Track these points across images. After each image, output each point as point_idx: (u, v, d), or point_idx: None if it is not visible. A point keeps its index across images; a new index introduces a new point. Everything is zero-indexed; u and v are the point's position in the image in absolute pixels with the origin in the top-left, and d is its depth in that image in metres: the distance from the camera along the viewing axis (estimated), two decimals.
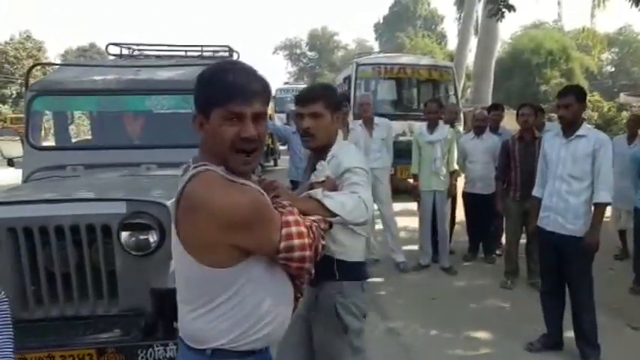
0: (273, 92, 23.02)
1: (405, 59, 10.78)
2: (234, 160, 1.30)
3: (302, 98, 2.05)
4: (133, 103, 3.76)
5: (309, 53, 57.70)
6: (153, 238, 2.49)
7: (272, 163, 13.81)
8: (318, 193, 1.71)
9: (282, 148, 14.12)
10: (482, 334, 3.85)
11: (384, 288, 4.84)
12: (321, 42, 55.99)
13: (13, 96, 33.47)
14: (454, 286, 4.91)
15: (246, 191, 1.27)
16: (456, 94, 9.84)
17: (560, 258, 3.33)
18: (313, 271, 1.44)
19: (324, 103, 2.00)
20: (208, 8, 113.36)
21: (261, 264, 1.33)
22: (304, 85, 26.79)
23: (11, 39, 35.14)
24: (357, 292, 2.12)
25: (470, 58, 18.38)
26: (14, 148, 3.79)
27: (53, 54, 38.79)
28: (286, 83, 30.68)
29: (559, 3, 19.05)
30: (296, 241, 1.32)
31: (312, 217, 1.49)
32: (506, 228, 4.97)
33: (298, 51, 57.67)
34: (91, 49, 46.14)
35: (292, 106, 11.87)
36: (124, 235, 2.49)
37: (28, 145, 3.60)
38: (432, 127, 5.19)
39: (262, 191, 1.35)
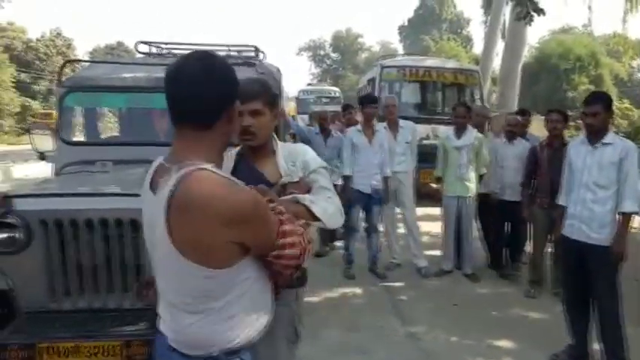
0: (296, 93, 23.18)
1: (431, 62, 10.71)
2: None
3: (242, 94, 1.92)
4: (161, 101, 3.80)
5: (332, 55, 57.73)
6: None
7: None
8: (305, 198, 1.76)
9: None
10: (505, 343, 3.79)
11: (406, 293, 4.80)
12: (345, 44, 55.97)
13: (43, 92, 34.28)
14: (477, 293, 4.85)
15: (244, 188, 1.29)
16: (481, 98, 9.74)
17: (585, 267, 3.27)
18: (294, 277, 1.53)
19: (264, 100, 1.90)
20: (234, 9, 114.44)
21: (254, 259, 1.36)
22: (327, 87, 26.88)
23: (42, 36, 36.04)
24: (303, 298, 2.10)
25: (496, 62, 18.13)
26: (45, 142, 3.87)
27: (82, 51, 39.68)
28: (309, 84, 30.77)
29: (590, 7, 18.55)
30: (287, 251, 1.37)
31: (300, 223, 1.51)
32: (533, 236, 4.88)
33: (322, 52, 57.75)
34: (119, 48, 47.00)
35: (315, 108, 11.92)
36: None
37: (60, 140, 3.68)
38: (459, 131, 5.13)
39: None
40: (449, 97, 10.57)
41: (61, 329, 2.44)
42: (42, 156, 3.87)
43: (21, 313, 2.60)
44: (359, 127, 5.17)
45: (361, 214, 5.33)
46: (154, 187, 1.31)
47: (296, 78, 75.85)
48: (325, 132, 6.03)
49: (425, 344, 3.76)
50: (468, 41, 47.34)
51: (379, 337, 3.86)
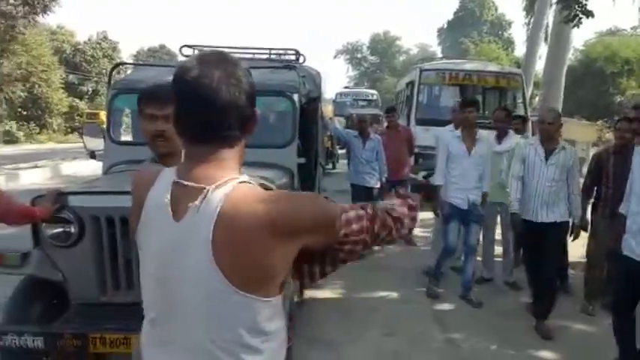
0: (333, 96, 23.19)
1: (471, 65, 10.55)
2: None
3: (157, 98, 1.92)
4: None
5: (370, 57, 57.58)
6: None
7: (331, 166, 13.89)
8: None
9: (340, 151, 14.17)
10: (546, 354, 3.70)
11: (446, 299, 4.72)
12: (383, 46, 55.74)
13: (89, 93, 35.57)
14: (518, 301, 4.72)
15: (298, 194, 1.23)
16: (524, 102, 9.51)
17: (635, 284, 3.12)
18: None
19: None
20: (273, 12, 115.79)
21: None
22: (365, 89, 26.82)
23: (89, 39, 37.37)
24: None
25: (539, 65, 17.68)
26: (96, 141, 4.03)
27: (126, 54, 40.86)
28: (346, 87, 30.81)
29: None
30: (352, 238, 1.20)
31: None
32: (590, 246, 4.58)
33: (359, 55, 57.67)
34: (161, 50, 48.28)
35: (352, 110, 11.93)
36: None
37: (109, 140, 3.83)
38: (500, 136, 5.03)
39: None
40: (490, 101, 10.39)
41: (111, 321, 2.54)
42: (92, 154, 4.03)
43: (73, 304, 2.72)
44: (458, 133, 4.61)
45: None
46: (175, 212, 1.09)
47: (333, 81, 76.11)
48: (364, 134, 6.04)
49: (464, 352, 3.71)
50: (509, 44, 46.33)
51: (417, 342, 3.83)
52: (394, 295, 4.81)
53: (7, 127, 24.69)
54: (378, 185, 6.07)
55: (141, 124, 2.06)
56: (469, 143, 4.48)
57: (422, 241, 6.58)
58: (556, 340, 3.89)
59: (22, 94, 25.65)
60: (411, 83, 10.26)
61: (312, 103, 4.63)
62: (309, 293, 4.61)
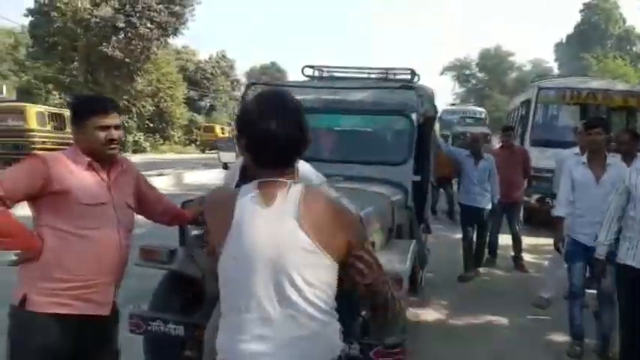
0: (439, 114, 22.83)
1: (596, 84, 9.88)
2: None
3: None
4: (328, 121, 4.17)
5: (479, 74, 55.70)
6: None
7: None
8: None
9: None
10: None
11: (558, 328, 4.44)
12: (493, 62, 53.65)
13: (207, 107, 38.50)
14: None
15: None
16: None
17: None
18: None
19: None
20: (380, 29, 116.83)
21: None
22: (472, 107, 26.01)
23: (210, 58, 40.56)
24: None
25: None
26: (229, 155, 4.45)
27: (240, 71, 43.76)
28: (453, 104, 30.14)
29: None
30: (367, 256, 1.42)
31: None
32: None
33: (467, 72, 56.04)
34: (272, 67, 50.89)
35: (460, 128, 11.68)
36: None
37: (240, 152, 4.22)
38: (627, 160, 4.68)
39: None
40: (617, 123, 9.64)
41: None
42: (225, 166, 4.45)
43: (209, 299, 3.04)
44: (583, 158, 4.08)
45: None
46: (267, 201, 1.43)
47: (438, 98, 74.40)
48: (477, 154, 5.93)
49: None
50: (638, 59, 42.29)
51: None
52: (502, 320, 4.66)
53: (135, 138, 27.43)
54: (490, 206, 5.92)
55: None
56: (597, 170, 3.90)
57: (533, 268, 6.30)
58: None
59: (150, 108, 28.48)
60: (526, 101, 9.85)
61: (427, 121, 4.71)
62: (413, 312, 4.63)
